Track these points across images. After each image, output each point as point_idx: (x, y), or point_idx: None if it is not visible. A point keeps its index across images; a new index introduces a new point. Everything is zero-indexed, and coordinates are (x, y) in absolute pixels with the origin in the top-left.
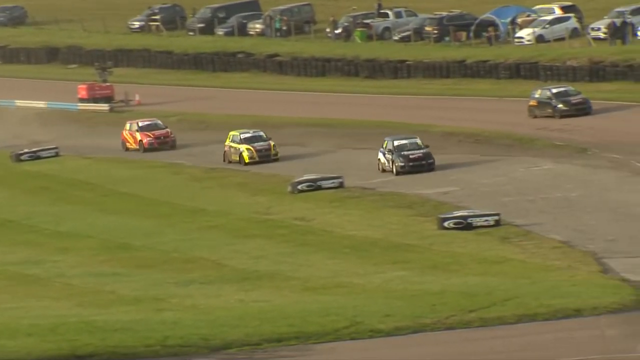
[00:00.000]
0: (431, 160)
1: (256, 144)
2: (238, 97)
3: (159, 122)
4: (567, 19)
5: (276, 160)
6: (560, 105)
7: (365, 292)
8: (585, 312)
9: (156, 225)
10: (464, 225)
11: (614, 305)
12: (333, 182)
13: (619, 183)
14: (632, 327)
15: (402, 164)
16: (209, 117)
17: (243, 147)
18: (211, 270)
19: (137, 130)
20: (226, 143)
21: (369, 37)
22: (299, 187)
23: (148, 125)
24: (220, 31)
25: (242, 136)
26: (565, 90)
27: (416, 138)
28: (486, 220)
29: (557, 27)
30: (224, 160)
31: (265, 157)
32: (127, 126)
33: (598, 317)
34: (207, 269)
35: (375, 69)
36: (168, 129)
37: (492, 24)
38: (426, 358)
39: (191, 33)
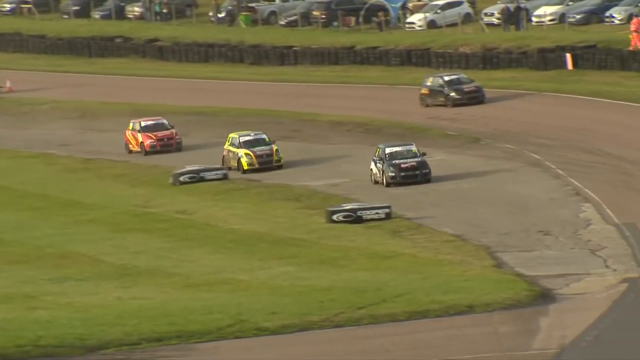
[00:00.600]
0: (426, 170)
1: (256, 148)
2: (116, 84)
3: (165, 121)
4: (460, 3)
5: (279, 167)
6: (452, 94)
7: (250, 289)
8: (478, 309)
9: (29, 218)
10: (354, 218)
11: (508, 301)
12: (217, 174)
13: (513, 174)
14: (526, 323)
15: (393, 174)
16: (84, 104)
17: (242, 152)
18: (88, 266)
19: (139, 131)
20: (225, 147)
21: (254, 22)
22: (181, 178)
23: (151, 125)
24: (96, 14)
25: (242, 139)
26: (457, 78)
27: (412, 145)
28: (376, 213)
29: (449, 12)
30: (223, 165)
31: (266, 163)
32: (130, 126)
33: (491, 314)
34: (83, 265)
35: (260, 55)
36: (173, 130)
37: (383, 8)
38: (314, 357)
39: (65, 16)
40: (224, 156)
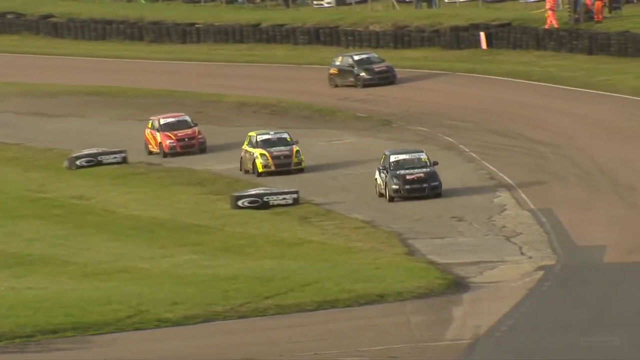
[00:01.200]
0: (436, 183)
1: (274, 148)
2: (6, 63)
3: (187, 118)
4: None
5: (300, 170)
6: (362, 74)
7: (151, 278)
8: (390, 298)
9: None
10: (260, 204)
11: (420, 290)
12: (115, 157)
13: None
14: (439, 313)
15: (396, 187)
16: None
17: (257, 152)
18: None
19: (158, 130)
20: (243, 147)
21: None
22: (77, 162)
23: (171, 123)
24: None
25: (260, 138)
26: (368, 58)
27: (421, 153)
28: (284, 199)
29: None
30: (240, 170)
31: (284, 165)
32: (149, 123)
33: (403, 303)
34: None
35: (161, 33)
36: (196, 128)
37: None
38: (218, 349)
39: None
40: (241, 157)
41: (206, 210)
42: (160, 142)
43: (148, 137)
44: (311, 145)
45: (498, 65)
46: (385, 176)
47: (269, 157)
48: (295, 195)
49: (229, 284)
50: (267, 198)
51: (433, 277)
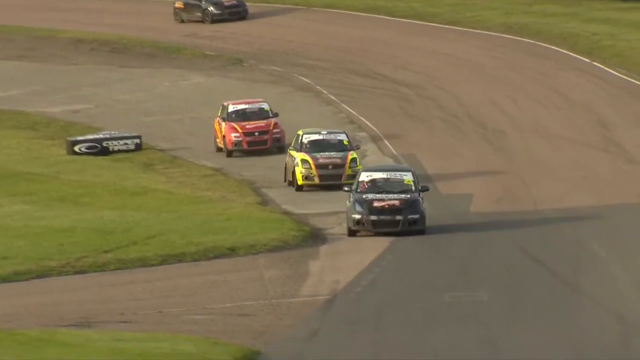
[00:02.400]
0: (415, 216)
1: (322, 154)
2: None
3: (265, 105)
4: None
5: (350, 185)
6: (210, 8)
7: None
8: (241, 251)
9: None
10: (99, 149)
11: (274, 243)
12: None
13: (280, 100)
14: (294, 267)
15: (358, 217)
16: None
17: (299, 158)
18: None
19: (225, 119)
20: (289, 150)
21: None
22: None
23: (242, 111)
24: None
25: (306, 138)
26: None
27: (408, 172)
28: (125, 144)
29: None
30: (285, 180)
31: (332, 178)
32: (220, 110)
33: (256, 257)
34: None
35: None
36: (273, 119)
37: None
38: (52, 307)
39: None
40: (285, 163)
41: (39, 156)
42: (224, 136)
43: (216, 128)
44: (155, 86)
45: (359, 0)
46: (349, 199)
47: (313, 166)
48: (137, 141)
49: (65, 236)
50: (107, 143)
51: (288, 228)
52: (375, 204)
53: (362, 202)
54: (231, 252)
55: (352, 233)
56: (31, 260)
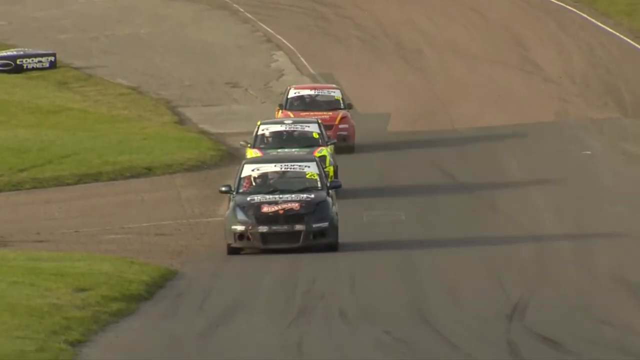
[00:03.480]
0: (322, 225)
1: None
2: None
3: (336, 93)
4: None
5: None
6: None
7: None
8: (158, 171)
9: None
10: (13, 67)
11: (191, 162)
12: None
13: (196, 18)
14: (211, 187)
15: (241, 227)
16: None
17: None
18: None
19: (282, 107)
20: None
21: None
22: None
23: (304, 98)
24: None
25: (265, 130)
26: None
27: (311, 162)
28: (39, 62)
29: None
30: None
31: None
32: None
33: (173, 176)
34: None
35: None
36: (342, 112)
37: None
38: None
39: None
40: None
41: None
42: None
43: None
44: (69, 3)
45: None
46: (229, 204)
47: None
48: (52, 58)
49: None
50: (21, 61)
51: (205, 148)
52: (265, 209)
53: (246, 206)
54: (148, 171)
55: (233, 251)
56: None
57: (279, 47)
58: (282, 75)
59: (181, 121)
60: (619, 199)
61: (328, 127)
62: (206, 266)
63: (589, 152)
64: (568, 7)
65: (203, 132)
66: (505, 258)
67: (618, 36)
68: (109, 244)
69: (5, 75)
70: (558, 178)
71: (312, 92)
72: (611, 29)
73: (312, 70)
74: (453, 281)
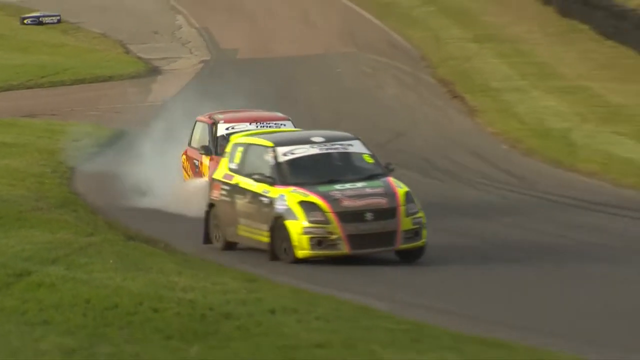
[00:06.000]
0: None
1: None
2: None
3: (286, 122)
4: None
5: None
6: None
7: None
8: (115, 78)
9: None
10: (38, 22)
11: (133, 74)
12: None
13: None
14: (145, 86)
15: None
16: None
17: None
18: None
19: (208, 151)
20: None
21: None
22: None
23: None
24: None
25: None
26: None
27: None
28: (51, 19)
29: None
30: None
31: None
32: (192, 133)
33: (123, 81)
34: None
35: None
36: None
37: None
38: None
39: None
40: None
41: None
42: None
43: (184, 164)
44: None
45: None
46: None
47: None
48: (58, 17)
49: (21, 68)
50: (41, 19)
51: (141, 66)
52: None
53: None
54: (110, 78)
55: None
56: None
57: (179, 11)
58: (181, 27)
59: (127, 52)
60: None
61: None
62: None
63: (339, 70)
64: None
65: (139, 58)
66: None
67: None
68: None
69: (34, 27)
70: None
71: (253, 127)
72: None
73: (197, 25)
74: None
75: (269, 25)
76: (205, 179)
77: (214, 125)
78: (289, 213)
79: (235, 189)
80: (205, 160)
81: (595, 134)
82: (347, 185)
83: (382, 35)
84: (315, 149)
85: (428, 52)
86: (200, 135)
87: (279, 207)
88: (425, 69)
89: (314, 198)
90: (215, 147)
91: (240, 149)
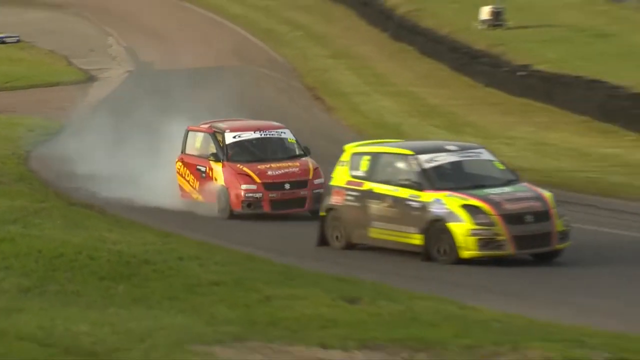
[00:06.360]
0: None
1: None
2: None
3: (284, 131)
4: None
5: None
6: None
7: None
8: (61, 83)
9: None
10: (2, 41)
11: (75, 81)
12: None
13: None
14: (85, 90)
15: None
16: None
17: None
18: None
19: (217, 158)
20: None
21: None
22: None
23: (248, 143)
24: None
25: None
26: None
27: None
28: (11, 39)
29: None
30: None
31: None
32: (185, 139)
33: (67, 86)
34: None
35: None
36: (307, 159)
37: None
38: None
39: None
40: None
41: None
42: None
43: (180, 171)
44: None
45: None
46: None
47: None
48: (18, 37)
49: None
50: (3, 39)
51: (72, 71)
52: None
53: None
54: (57, 84)
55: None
56: None
57: (110, 34)
58: (111, 46)
59: (71, 64)
60: None
61: (299, 184)
62: None
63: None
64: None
65: (80, 69)
66: None
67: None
68: None
69: None
70: None
71: (258, 135)
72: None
73: (125, 44)
74: None
75: (176, 44)
76: (222, 183)
77: (217, 134)
78: (451, 216)
79: (369, 195)
80: (216, 166)
81: (418, 126)
82: (498, 190)
83: (263, 53)
84: (454, 156)
85: (297, 66)
86: (199, 143)
87: (437, 210)
88: (295, 78)
89: (476, 202)
90: (225, 154)
91: (367, 157)
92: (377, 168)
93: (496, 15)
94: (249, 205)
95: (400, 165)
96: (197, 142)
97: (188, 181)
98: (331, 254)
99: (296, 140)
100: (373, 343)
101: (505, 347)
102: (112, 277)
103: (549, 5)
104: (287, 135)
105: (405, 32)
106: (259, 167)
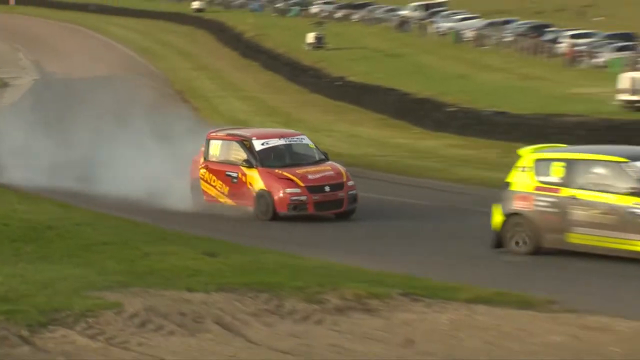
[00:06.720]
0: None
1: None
2: None
3: (303, 137)
4: None
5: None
6: None
7: None
8: None
9: None
10: None
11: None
12: None
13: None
14: (1, 95)
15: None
16: None
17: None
18: None
19: (250, 165)
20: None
21: None
22: None
23: (277, 149)
24: None
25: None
26: None
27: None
28: None
29: None
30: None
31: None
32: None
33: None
34: None
35: None
36: (332, 163)
37: None
38: None
39: None
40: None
41: None
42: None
43: (205, 177)
44: None
45: None
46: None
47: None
48: None
49: None
50: None
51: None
52: None
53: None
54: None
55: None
56: None
57: (20, 50)
58: (20, 59)
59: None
60: None
61: (337, 186)
62: None
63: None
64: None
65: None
66: None
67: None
68: None
69: None
70: None
71: (284, 141)
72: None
73: (30, 57)
74: None
75: (74, 60)
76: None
77: (244, 142)
78: None
79: (570, 201)
80: (249, 172)
81: (263, 122)
82: None
83: (143, 67)
84: None
85: (170, 76)
86: (218, 151)
87: None
88: (168, 85)
89: None
90: (257, 160)
91: (559, 164)
92: (577, 174)
93: (319, 39)
94: (294, 208)
95: (612, 172)
96: (216, 150)
97: (215, 186)
98: (206, 221)
99: (315, 146)
100: (228, 287)
101: (327, 287)
102: (22, 239)
103: (358, 33)
104: (307, 141)
105: (251, 51)
106: (297, 171)
